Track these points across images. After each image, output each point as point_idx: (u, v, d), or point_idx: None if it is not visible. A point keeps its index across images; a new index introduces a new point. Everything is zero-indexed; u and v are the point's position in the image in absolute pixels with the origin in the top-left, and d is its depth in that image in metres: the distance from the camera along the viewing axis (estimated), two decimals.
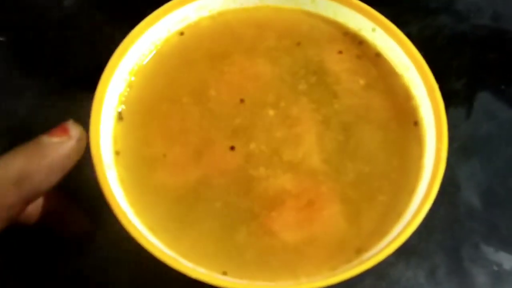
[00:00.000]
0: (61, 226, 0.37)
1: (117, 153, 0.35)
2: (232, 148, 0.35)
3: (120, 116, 0.36)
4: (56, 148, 0.31)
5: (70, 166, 0.32)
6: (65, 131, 0.32)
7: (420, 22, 0.50)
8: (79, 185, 0.35)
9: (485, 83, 0.48)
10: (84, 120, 0.34)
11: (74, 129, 0.32)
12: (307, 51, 0.39)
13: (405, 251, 0.40)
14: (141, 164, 0.35)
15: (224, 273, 0.31)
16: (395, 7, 0.49)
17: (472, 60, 0.48)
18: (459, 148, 0.44)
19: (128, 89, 0.37)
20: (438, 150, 0.34)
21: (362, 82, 0.38)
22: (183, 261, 0.31)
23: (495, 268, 0.40)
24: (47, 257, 0.39)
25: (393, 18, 0.39)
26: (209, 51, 0.39)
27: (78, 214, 0.38)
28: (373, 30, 0.39)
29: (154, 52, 0.39)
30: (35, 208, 0.34)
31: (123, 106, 0.37)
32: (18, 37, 0.48)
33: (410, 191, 0.34)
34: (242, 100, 0.37)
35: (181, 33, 0.40)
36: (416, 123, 0.36)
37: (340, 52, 0.39)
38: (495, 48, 0.49)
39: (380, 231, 0.33)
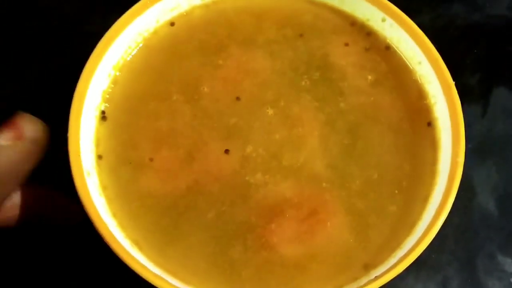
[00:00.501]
0: (53, 216, 0.33)
1: (99, 157, 0.32)
2: (227, 151, 0.32)
3: (103, 116, 0.33)
4: (4, 153, 0.24)
5: (27, 173, 0.26)
6: (16, 130, 0.24)
7: (432, 11, 0.46)
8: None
9: (502, 78, 0.44)
10: (63, 120, 0.31)
11: (28, 127, 0.25)
12: (311, 43, 0.35)
13: (415, 263, 0.36)
14: (126, 169, 0.32)
15: None
16: None
17: (488, 53, 0.45)
18: (474, 149, 0.41)
19: (112, 86, 0.34)
20: (454, 155, 0.30)
21: (370, 77, 0.35)
22: (170, 280, 0.28)
23: None
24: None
25: (403, 7, 0.36)
26: (202, 43, 0.35)
27: (65, 201, 0.34)
28: (383, 20, 0.35)
29: (141, 44, 0.35)
30: (11, 211, 0.31)
31: (106, 105, 0.33)
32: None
33: (423, 200, 0.31)
34: (238, 98, 0.34)
35: (172, 24, 0.36)
36: (429, 124, 0.33)
37: (347, 44, 0.36)
38: None
39: (390, 245, 0.30)
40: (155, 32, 0.36)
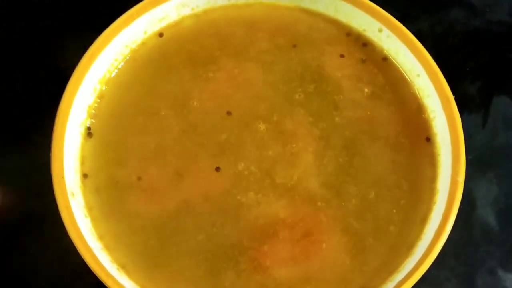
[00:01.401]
0: None
1: (84, 176, 0.31)
2: (218, 169, 0.31)
3: (88, 132, 0.32)
4: None
5: None
6: None
7: (431, 17, 0.45)
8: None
9: (502, 86, 0.43)
10: (46, 137, 0.30)
11: None
12: (304, 54, 0.34)
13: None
14: (112, 188, 0.30)
15: None
16: (404, 1, 0.44)
17: (488, 61, 0.44)
18: (474, 161, 0.40)
19: (98, 101, 0.33)
20: (454, 173, 0.29)
21: (367, 90, 0.33)
22: None
23: None
24: None
25: (402, 13, 0.35)
26: (192, 55, 0.34)
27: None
28: (380, 30, 0.34)
29: (128, 57, 0.34)
30: None
31: (92, 120, 0.32)
32: None
33: (422, 220, 0.30)
34: (229, 113, 0.32)
35: (160, 35, 0.35)
36: (428, 139, 0.32)
37: (342, 55, 0.34)
38: None
39: (387, 268, 0.29)
40: (143, 44, 0.34)
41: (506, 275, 0.37)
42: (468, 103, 0.42)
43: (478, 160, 0.40)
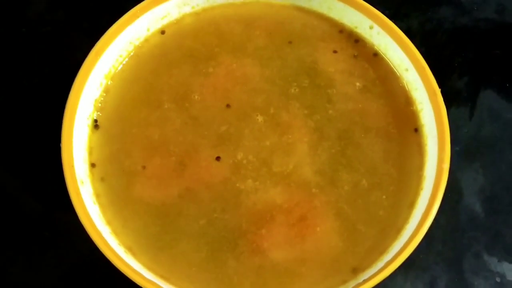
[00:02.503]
0: None
1: (92, 165, 0.32)
2: (218, 158, 0.33)
3: (95, 124, 0.33)
4: None
5: None
6: None
7: (421, 15, 0.47)
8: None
9: (489, 81, 0.45)
10: (56, 129, 0.32)
11: None
12: (299, 50, 0.36)
13: (403, 263, 0.37)
14: (119, 177, 0.32)
15: None
16: None
17: (475, 57, 0.46)
18: (461, 151, 0.41)
19: (104, 94, 0.34)
20: (440, 161, 0.31)
21: (358, 84, 0.35)
22: (163, 285, 0.28)
23: (498, 279, 0.38)
24: None
25: (392, 11, 0.36)
26: (193, 52, 0.36)
27: None
28: (371, 27, 0.36)
29: (132, 53, 0.36)
30: None
31: (99, 113, 0.34)
32: None
33: (409, 205, 0.32)
34: (228, 105, 0.34)
35: (162, 32, 0.36)
36: (416, 130, 0.34)
37: (335, 51, 0.36)
38: (500, 44, 0.46)
39: (378, 249, 0.31)
40: (146, 41, 0.36)
41: (491, 258, 0.39)
42: (456, 97, 0.44)
43: (465, 151, 0.42)
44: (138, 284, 0.27)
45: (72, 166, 0.30)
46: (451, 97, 0.38)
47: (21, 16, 0.45)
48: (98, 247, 0.28)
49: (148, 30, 0.36)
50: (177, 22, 0.37)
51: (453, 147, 0.32)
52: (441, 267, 0.38)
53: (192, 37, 0.36)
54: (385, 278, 0.31)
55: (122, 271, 0.28)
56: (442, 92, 0.34)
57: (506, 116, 0.44)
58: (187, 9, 0.37)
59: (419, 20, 0.47)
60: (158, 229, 0.31)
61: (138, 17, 0.35)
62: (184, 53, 0.36)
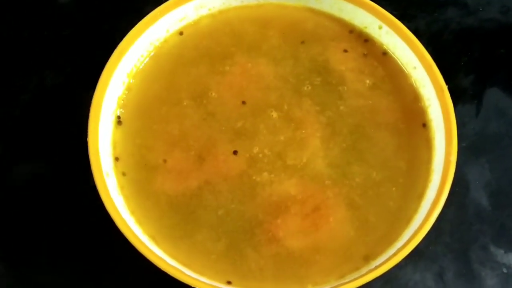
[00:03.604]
0: None
1: (116, 159, 0.34)
2: (235, 152, 0.34)
3: (119, 120, 0.35)
4: None
5: None
6: None
7: (427, 16, 0.48)
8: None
9: (494, 79, 0.46)
10: (82, 124, 0.33)
11: None
12: (312, 50, 0.38)
13: (413, 254, 0.38)
14: (141, 170, 0.34)
15: (229, 283, 0.31)
16: (402, 1, 0.48)
17: (481, 56, 0.47)
18: (468, 147, 0.43)
19: (126, 92, 0.36)
20: (447, 154, 0.33)
21: (368, 82, 0.37)
22: (185, 271, 0.30)
23: (505, 270, 0.39)
24: None
25: (401, 12, 0.38)
26: (210, 51, 0.38)
27: None
28: (380, 27, 0.37)
29: (152, 53, 0.37)
30: None
31: (121, 110, 0.36)
32: (14, 35, 0.46)
33: (418, 196, 0.33)
34: (244, 102, 0.36)
35: (180, 33, 0.38)
36: (424, 125, 0.35)
37: (346, 50, 0.38)
38: (504, 43, 0.48)
39: (388, 238, 0.32)
40: (165, 41, 0.38)
41: (498, 250, 0.40)
42: (462, 94, 0.45)
43: (472, 147, 0.43)
44: (164, 270, 0.29)
45: (98, 159, 0.32)
46: (457, 95, 0.39)
47: (43, 20, 0.47)
48: (124, 234, 0.30)
49: (167, 31, 0.38)
50: (195, 23, 0.39)
51: (460, 143, 0.33)
52: (449, 258, 0.40)
53: (208, 37, 0.38)
54: (396, 265, 0.32)
55: (148, 258, 0.29)
56: (449, 89, 0.35)
57: (511, 113, 0.45)
58: (204, 11, 0.39)
59: (426, 20, 0.48)
60: (179, 219, 0.33)
61: (158, 19, 0.37)
62: (201, 53, 0.37)
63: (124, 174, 0.34)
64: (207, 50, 0.38)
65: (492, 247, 0.40)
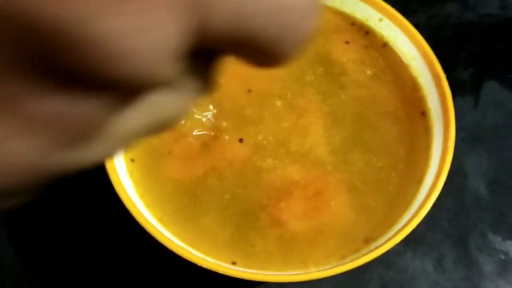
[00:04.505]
0: None
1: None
2: (241, 140, 0.35)
3: None
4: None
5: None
6: None
7: (428, 10, 0.50)
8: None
9: (492, 72, 0.47)
10: None
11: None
12: (314, 41, 0.39)
13: (412, 241, 0.40)
14: (149, 156, 0.35)
15: (233, 263, 0.32)
16: None
17: (480, 50, 0.48)
18: (466, 138, 0.44)
19: None
20: (445, 140, 0.34)
21: (369, 72, 0.38)
22: (192, 251, 0.31)
23: (502, 256, 0.40)
24: None
25: (401, 8, 0.39)
26: None
27: None
28: (380, 20, 0.38)
29: None
30: None
31: None
32: None
33: (417, 181, 0.34)
34: (249, 91, 0.37)
35: None
36: (423, 113, 0.36)
37: (347, 42, 0.39)
38: (502, 38, 0.49)
39: (388, 221, 0.33)
40: None
41: (495, 237, 0.41)
42: (461, 87, 0.47)
43: (470, 138, 0.44)
44: (172, 249, 0.30)
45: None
46: (456, 88, 0.41)
47: None
48: (134, 216, 0.31)
49: None
50: None
51: (458, 134, 0.34)
52: (448, 245, 0.41)
53: None
54: (396, 251, 0.33)
55: (157, 238, 0.30)
56: (448, 82, 0.36)
57: (508, 105, 0.46)
58: None
59: (426, 15, 0.50)
60: (186, 203, 0.34)
61: None
62: None
63: (132, 160, 0.35)
64: None
65: (490, 234, 0.41)
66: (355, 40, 0.39)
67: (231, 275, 0.30)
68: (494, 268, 0.40)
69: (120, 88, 0.10)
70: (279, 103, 0.37)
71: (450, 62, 0.44)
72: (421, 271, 0.40)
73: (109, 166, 0.32)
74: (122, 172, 0.33)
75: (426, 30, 0.48)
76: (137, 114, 0.11)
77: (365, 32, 0.39)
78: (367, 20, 0.39)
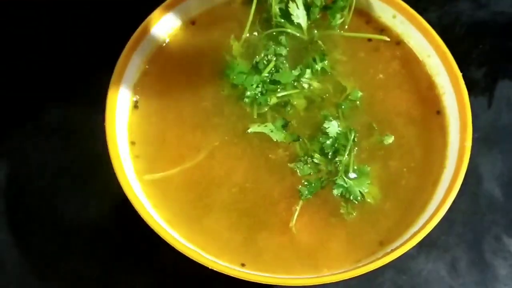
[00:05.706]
0: None
1: (132, 143, 0.34)
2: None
3: (135, 105, 0.36)
4: None
5: None
6: None
7: (439, 9, 0.48)
8: None
9: (506, 71, 0.46)
10: (99, 111, 0.34)
11: None
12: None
13: (426, 244, 0.39)
14: (156, 152, 0.34)
15: (243, 265, 0.31)
16: None
17: (492, 49, 0.47)
18: (480, 139, 0.43)
19: (143, 78, 0.36)
20: (462, 140, 0.33)
21: (383, 70, 0.37)
22: (202, 253, 0.30)
23: None
24: None
25: (412, 5, 0.38)
26: (220, 40, 0.38)
27: None
28: (394, 16, 0.37)
29: (167, 39, 0.38)
30: None
31: (137, 96, 0.36)
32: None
33: (433, 182, 0.33)
34: None
35: (193, 22, 0.38)
36: (438, 112, 0.35)
37: (364, 40, 0.38)
38: None
39: (403, 223, 0.32)
40: (180, 30, 0.38)
41: (510, 240, 0.40)
42: (474, 86, 0.45)
43: (484, 138, 0.43)
44: (183, 252, 0.29)
45: (116, 142, 0.32)
46: (469, 87, 0.39)
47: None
48: (144, 219, 0.30)
49: (181, 20, 0.38)
50: (208, 13, 0.39)
51: (473, 135, 0.33)
52: (462, 248, 0.40)
53: (220, 26, 0.38)
54: (409, 255, 0.32)
55: (168, 241, 0.30)
56: None
57: None
58: (220, 1, 0.39)
59: (437, 13, 0.48)
60: (193, 197, 0.33)
61: (172, 8, 0.37)
62: (212, 45, 0.37)
63: (136, 157, 0.34)
64: (217, 39, 0.38)
65: (504, 237, 0.40)
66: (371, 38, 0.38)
67: (242, 278, 0.29)
68: (509, 272, 0.39)
69: None
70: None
71: (463, 61, 0.42)
72: (434, 275, 0.39)
73: (116, 165, 0.31)
74: (130, 172, 0.32)
75: (437, 28, 0.47)
76: None
77: (380, 29, 0.38)
78: (380, 17, 0.38)
